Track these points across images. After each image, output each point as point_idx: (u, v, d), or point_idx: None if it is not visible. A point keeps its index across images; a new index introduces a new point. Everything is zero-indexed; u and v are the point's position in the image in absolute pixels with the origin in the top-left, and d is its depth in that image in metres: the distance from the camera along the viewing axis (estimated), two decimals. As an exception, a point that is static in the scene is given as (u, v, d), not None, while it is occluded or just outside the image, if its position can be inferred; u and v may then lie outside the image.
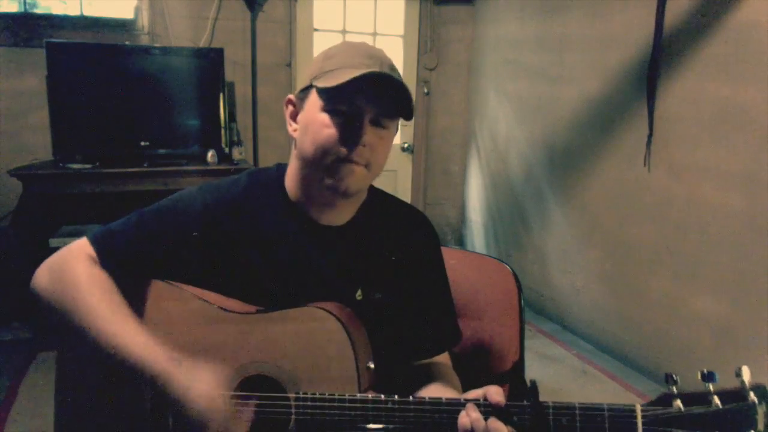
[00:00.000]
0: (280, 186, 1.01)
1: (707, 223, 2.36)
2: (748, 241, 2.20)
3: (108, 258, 0.95)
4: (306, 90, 0.94)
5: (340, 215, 1.01)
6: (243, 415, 0.90)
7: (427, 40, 4.03)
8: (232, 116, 3.41)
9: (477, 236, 4.14)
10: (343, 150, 0.90)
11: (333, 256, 1.00)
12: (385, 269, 1.03)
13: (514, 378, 1.22)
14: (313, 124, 0.91)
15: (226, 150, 3.27)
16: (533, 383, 0.80)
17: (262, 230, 0.99)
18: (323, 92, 0.90)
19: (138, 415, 0.93)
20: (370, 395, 0.86)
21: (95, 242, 0.95)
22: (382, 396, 0.85)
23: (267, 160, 3.61)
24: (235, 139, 3.38)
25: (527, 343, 1.25)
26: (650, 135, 2.57)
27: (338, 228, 1.01)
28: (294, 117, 0.98)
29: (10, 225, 3.04)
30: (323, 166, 0.91)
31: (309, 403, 0.87)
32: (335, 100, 0.89)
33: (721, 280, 2.31)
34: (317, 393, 0.87)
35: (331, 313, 0.90)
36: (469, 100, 4.16)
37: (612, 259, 2.89)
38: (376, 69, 0.89)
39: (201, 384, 0.85)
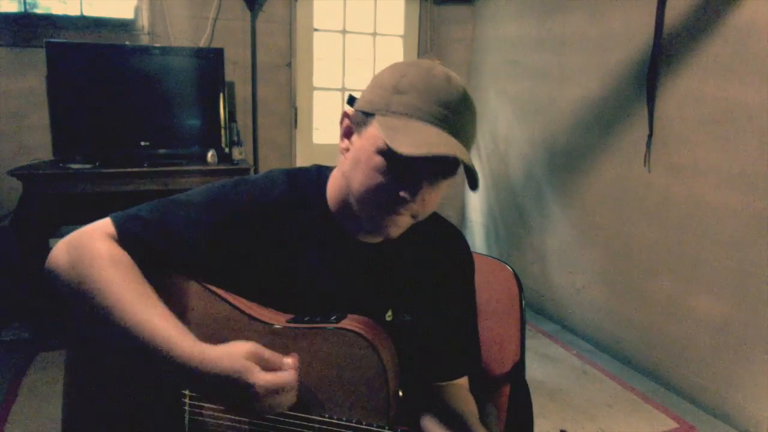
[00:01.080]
0: (321, 194, 0.96)
1: (707, 223, 2.36)
2: (748, 241, 2.20)
3: (129, 244, 0.88)
4: (367, 116, 0.85)
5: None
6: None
7: (427, 40, 4.03)
8: (232, 116, 3.41)
9: (477, 236, 4.14)
10: (393, 203, 0.83)
11: (367, 275, 0.97)
12: (416, 291, 1.00)
13: (514, 378, 1.22)
14: (367, 163, 0.84)
15: (226, 150, 3.27)
16: None
17: (296, 238, 0.94)
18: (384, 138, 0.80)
19: (151, 414, 0.91)
20: (399, 430, 0.81)
21: (118, 224, 0.89)
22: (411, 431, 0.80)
23: (267, 160, 3.61)
24: (235, 139, 3.38)
25: (527, 343, 1.25)
26: (650, 135, 2.58)
27: (375, 245, 0.97)
28: (348, 134, 0.90)
29: (10, 225, 3.04)
30: (368, 209, 0.86)
31: (333, 429, 0.83)
32: (395, 152, 0.78)
33: (721, 280, 2.31)
34: (343, 419, 0.83)
35: (367, 339, 0.85)
36: (469, 100, 4.15)
37: (612, 259, 2.89)
38: (449, 147, 0.78)
39: (232, 366, 0.75)
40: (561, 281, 3.27)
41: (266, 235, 0.93)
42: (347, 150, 0.89)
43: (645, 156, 2.62)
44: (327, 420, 0.83)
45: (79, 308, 0.88)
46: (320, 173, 0.98)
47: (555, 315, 3.34)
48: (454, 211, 4.33)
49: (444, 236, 1.05)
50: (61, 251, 0.88)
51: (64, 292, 0.87)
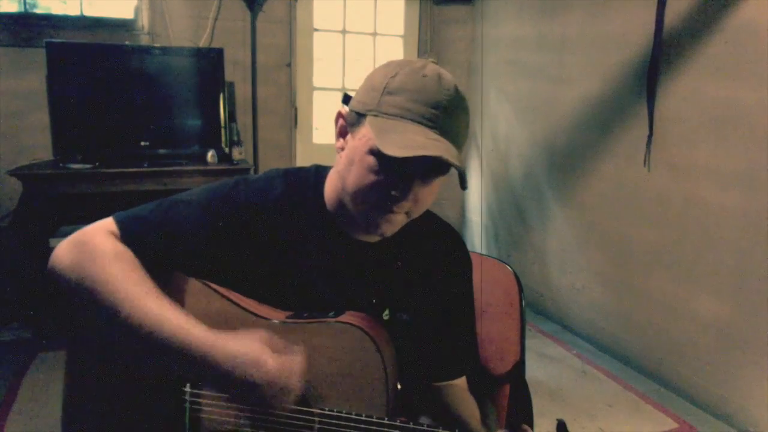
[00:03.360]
0: (318, 193, 0.97)
1: (707, 223, 2.36)
2: (748, 241, 2.20)
3: (132, 240, 0.90)
4: (360, 116, 0.86)
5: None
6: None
7: (427, 40, 4.03)
8: (232, 116, 3.41)
9: (477, 236, 4.14)
10: (386, 202, 0.85)
11: (364, 273, 0.98)
12: (413, 290, 1.00)
13: (514, 378, 1.22)
14: (360, 163, 0.85)
15: (226, 150, 3.27)
16: (561, 423, 0.77)
17: (295, 236, 0.95)
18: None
19: (151, 413, 0.92)
20: (398, 421, 0.82)
21: (121, 223, 0.91)
22: (411, 423, 0.81)
23: (267, 160, 3.61)
24: (235, 139, 3.38)
25: (527, 343, 1.25)
26: (650, 135, 2.57)
27: (372, 244, 0.98)
28: (343, 134, 0.91)
29: (10, 225, 3.04)
30: (362, 208, 0.88)
31: (333, 421, 0.84)
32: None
33: (721, 280, 2.31)
34: (343, 411, 0.84)
35: (365, 332, 0.87)
36: (469, 100, 4.15)
37: (612, 259, 2.89)
38: (437, 149, 0.79)
39: (246, 348, 0.78)
40: (561, 281, 3.27)
41: (264, 234, 0.94)
42: (342, 149, 0.91)
43: (645, 156, 2.61)
44: (327, 413, 0.84)
45: (83, 306, 0.88)
46: (318, 173, 1.00)
47: (555, 315, 3.34)
48: (454, 211, 4.33)
49: (441, 237, 1.05)
50: (64, 250, 0.88)
51: (69, 291, 0.87)
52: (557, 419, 0.77)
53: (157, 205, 0.94)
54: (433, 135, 0.81)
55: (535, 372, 2.70)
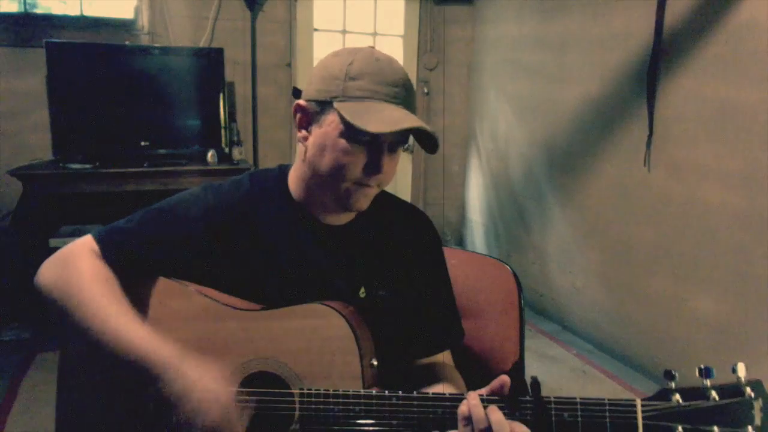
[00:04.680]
0: (283, 186, 1.02)
1: (707, 223, 2.36)
2: (747, 241, 2.20)
3: (111, 254, 0.96)
4: (323, 104, 0.91)
5: (343, 216, 1.02)
6: (246, 412, 0.89)
7: (427, 40, 4.03)
8: (232, 116, 3.41)
9: (477, 236, 4.14)
10: (362, 178, 0.91)
11: (336, 255, 1.01)
12: (387, 267, 1.04)
13: (514, 378, 1.21)
14: (333, 147, 0.90)
15: (226, 150, 3.27)
16: (534, 379, 0.81)
17: (265, 230, 1.00)
18: (346, 122, 0.87)
19: (141, 414, 0.93)
20: (374, 391, 0.86)
21: (99, 239, 0.96)
22: (386, 392, 0.85)
23: (267, 160, 3.61)
24: (235, 139, 3.38)
25: (527, 343, 1.25)
26: (650, 135, 2.57)
27: (341, 227, 1.02)
28: (304, 125, 0.95)
29: (10, 225, 3.04)
30: (339, 188, 0.93)
31: (313, 399, 0.87)
32: (358, 133, 0.87)
33: (721, 280, 2.31)
34: (321, 389, 0.87)
35: (335, 309, 0.91)
36: (469, 100, 4.16)
37: (612, 259, 2.89)
38: (412, 120, 0.87)
39: (206, 379, 0.85)
40: (561, 281, 3.27)
41: (236, 231, 0.99)
42: (306, 139, 0.95)
43: (645, 156, 2.61)
44: (306, 392, 0.88)
45: (63, 321, 0.94)
46: (281, 169, 1.06)
47: (555, 315, 3.34)
48: (454, 211, 4.34)
49: (407, 215, 1.10)
50: (47, 270, 0.96)
51: (49, 307, 0.94)
52: (531, 376, 0.82)
53: (132, 217, 0.99)
54: (401, 109, 0.89)
55: (535, 372, 2.68)
